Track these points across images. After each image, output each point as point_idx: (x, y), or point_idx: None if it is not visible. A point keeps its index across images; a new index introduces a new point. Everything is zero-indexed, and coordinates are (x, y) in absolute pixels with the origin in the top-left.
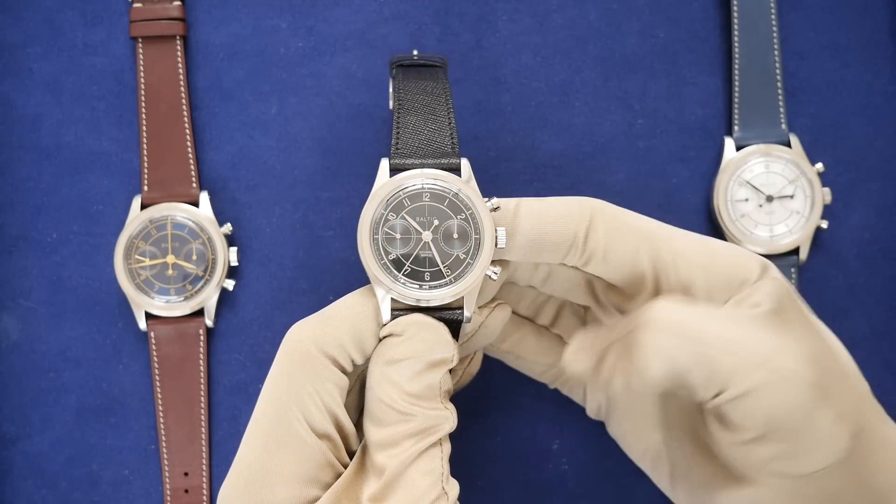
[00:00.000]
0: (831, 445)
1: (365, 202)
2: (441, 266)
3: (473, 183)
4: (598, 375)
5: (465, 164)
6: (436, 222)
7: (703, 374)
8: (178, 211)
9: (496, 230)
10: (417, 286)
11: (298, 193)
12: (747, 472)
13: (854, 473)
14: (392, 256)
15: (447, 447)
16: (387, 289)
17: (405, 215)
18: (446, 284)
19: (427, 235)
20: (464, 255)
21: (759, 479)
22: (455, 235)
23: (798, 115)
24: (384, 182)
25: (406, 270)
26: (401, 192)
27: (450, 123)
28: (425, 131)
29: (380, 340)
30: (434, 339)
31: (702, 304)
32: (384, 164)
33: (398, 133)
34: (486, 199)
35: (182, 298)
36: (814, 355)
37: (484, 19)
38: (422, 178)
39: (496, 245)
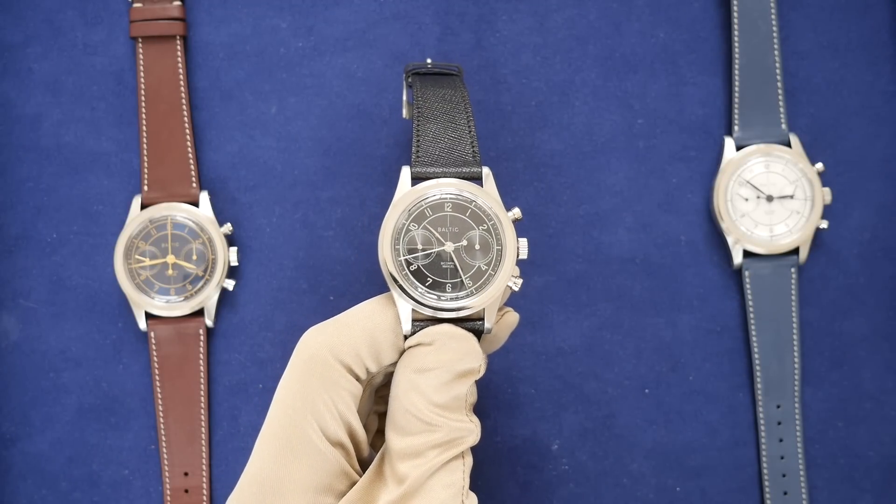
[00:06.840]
0: None
1: (365, 202)
2: (463, 277)
3: (495, 192)
4: None
5: (486, 172)
6: (458, 233)
7: None
8: (178, 211)
9: (518, 241)
10: (437, 297)
11: (298, 193)
12: None
13: None
14: (414, 267)
15: (469, 460)
16: (408, 299)
17: (427, 226)
18: (468, 296)
19: (449, 246)
20: (485, 266)
21: None
22: (477, 246)
23: (798, 115)
24: (406, 191)
25: (428, 281)
26: (422, 202)
27: (470, 132)
28: (445, 139)
29: (405, 349)
30: (465, 350)
31: None
32: (405, 172)
33: (418, 141)
34: (509, 210)
35: (182, 298)
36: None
37: (484, 19)
38: (443, 188)
39: (518, 256)
